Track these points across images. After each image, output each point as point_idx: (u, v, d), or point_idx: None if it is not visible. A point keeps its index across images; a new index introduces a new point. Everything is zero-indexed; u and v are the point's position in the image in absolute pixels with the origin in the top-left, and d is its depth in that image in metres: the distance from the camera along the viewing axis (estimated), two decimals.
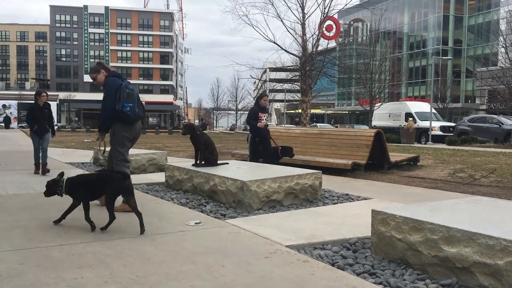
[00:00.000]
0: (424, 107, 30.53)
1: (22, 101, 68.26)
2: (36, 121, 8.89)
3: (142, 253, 3.51)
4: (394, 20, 62.94)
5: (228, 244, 3.80)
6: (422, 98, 52.13)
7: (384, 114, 31.32)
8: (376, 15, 33.90)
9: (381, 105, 33.51)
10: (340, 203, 6.00)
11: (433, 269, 3.18)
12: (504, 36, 30.55)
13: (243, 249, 3.65)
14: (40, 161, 8.88)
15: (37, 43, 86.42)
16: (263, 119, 9.03)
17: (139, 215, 4.20)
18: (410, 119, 27.26)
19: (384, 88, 37.38)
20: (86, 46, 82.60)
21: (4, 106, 68.11)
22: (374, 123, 31.75)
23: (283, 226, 4.49)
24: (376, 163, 10.22)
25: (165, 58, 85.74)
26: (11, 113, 68.33)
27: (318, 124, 51.73)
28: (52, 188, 4.45)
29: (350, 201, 6.13)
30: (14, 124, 64.30)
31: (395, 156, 11.25)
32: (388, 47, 42.41)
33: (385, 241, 3.57)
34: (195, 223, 4.51)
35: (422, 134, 26.61)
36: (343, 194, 6.64)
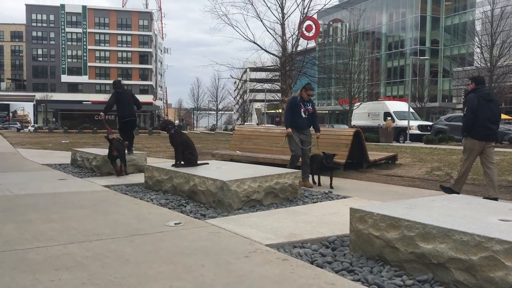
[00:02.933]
0: (402, 106, 30.98)
1: None
2: None
3: (120, 254, 3.48)
4: (372, 21, 63.70)
5: (208, 244, 3.79)
6: (400, 98, 52.85)
7: (363, 114, 31.67)
8: (355, 15, 34.26)
9: (360, 104, 33.86)
10: (320, 201, 6.04)
11: (410, 266, 3.23)
12: (479, 37, 31.20)
13: (223, 249, 3.66)
14: None
15: (13, 42, 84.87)
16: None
17: None
18: (389, 118, 27.62)
19: (363, 88, 37.78)
20: (63, 46, 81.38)
21: None
22: (353, 122, 32.07)
23: (263, 225, 4.50)
24: (355, 162, 10.33)
25: (144, 58, 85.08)
26: None
27: None
28: None
29: (329, 200, 6.18)
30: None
31: (374, 155, 11.39)
32: (367, 47, 42.86)
33: (363, 238, 3.61)
34: (175, 224, 4.49)
35: (400, 133, 26.99)
36: (323, 193, 6.70)
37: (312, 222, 4.67)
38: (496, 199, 6.35)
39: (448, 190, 6.82)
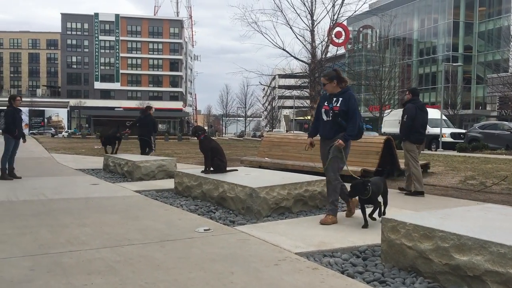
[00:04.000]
0: (434, 113, 30.34)
1: (33, 108, 68.98)
2: (16, 125, 8.81)
3: (151, 260, 3.51)
4: (403, 27, 62.79)
5: (237, 251, 3.79)
6: (432, 105, 51.80)
7: (394, 121, 31.13)
8: (385, 21, 33.85)
9: (390, 111, 33.36)
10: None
11: (444, 277, 3.15)
12: None
13: (252, 256, 3.65)
14: (8, 166, 8.75)
15: (49, 50, 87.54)
16: None
17: None
18: None
19: (394, 94, 37.23)
20: (96, 54, 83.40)
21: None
22: (384, 129, 31.59)
23: (292, 233, 4.47)
24: (387, 170, 10.16)
25: (174, 65, 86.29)
26: (22, 119, 69.10)
27: None
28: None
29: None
30: (25, 130, 64.97)
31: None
32: (397, 53, 42.28)
33: (395, 248, 3.54)
34: (204, 230, 4.51)
35: (432, 141, 26.42)
36: None
37: (342, 231, 4.61)
38: (422, 193, 7.55)
39: (414, 193, 7.60)
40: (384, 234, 3.64)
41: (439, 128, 26.55)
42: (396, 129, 29.77)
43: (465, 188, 8.62)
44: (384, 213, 5.04)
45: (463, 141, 24.80)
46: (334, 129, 5.21)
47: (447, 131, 27.06)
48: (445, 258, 3.12)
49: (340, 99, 5.17)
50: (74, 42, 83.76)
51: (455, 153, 20.70)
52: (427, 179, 9.79)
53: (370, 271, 3.47)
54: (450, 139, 26.20)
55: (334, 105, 5.18)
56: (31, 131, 64.50)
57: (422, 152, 21.73)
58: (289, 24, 20.54)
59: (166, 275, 3.16)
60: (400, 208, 6.10)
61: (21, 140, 9.13)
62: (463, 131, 28.51)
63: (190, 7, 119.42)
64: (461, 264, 3.01)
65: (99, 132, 11.61)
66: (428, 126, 27.31)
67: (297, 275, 3.21)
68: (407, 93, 8.31)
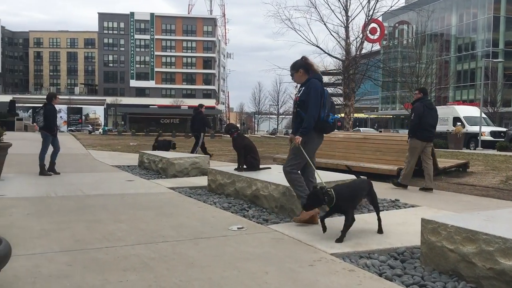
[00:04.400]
0: (473, 111, 29.44)
1: (71, 106, 70.95)
2: (55, 123, 9.11)
3: (185, 257, 3.50)
4: (441, 22, 61.19)
5: (271, 251, 3.74)
6: (470, 102, 50.29)
7: None
8: (422, 16, 33.01)
9: None
10: (386, 210, 5.82)
11: (488, 282, 3.00)
12: None
13: (286, 256, 3.59)
14: (43, 162, 8.96)
15: (86, 49, 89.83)
16: None
17: None
18: (459, 123, 26.33)
19: (431, 92, 36.29)
20: (132, 52, 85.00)
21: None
22: None
23: (327, 233, 4.38)
24: (423, 169, 9.88)
25: (208, 63, 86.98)
26: (61, 117, 71.16)
27: (361, 129, 50.91)
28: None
29: (396, 209, 5.94)
30: (63, 127, 66.93)
31: (443, 162, 10.86)
32: (435, 49, 41.19)
33: (435, 251, 3.41)
34: (238, 228, 4.48)
35: (471, 140, 25.64)
36: (390, 200, 6.45)
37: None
38: (431, 189, 7.83)
39: (397, 184, 8.03)
40: (424, 236, 3.51)
41: (478, 127, 25.74)
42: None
43: (507, 188, 8.29)
44: (379, 226, 4.44)
45: (503, 139, 23.96)
46: (297, 121, 4.87)
47: (486, 129, 26.22)
48: (490, 263, 2.98)
49: (302, 88, 4.81)
50: (110, 41, 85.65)
51: (495, 152, 20.01)
52: (466, 179, 9.47)
53: (409, 274, 3.35)
54: (490, 138, 25.37)
55: (297, 95, 4.90)
56: (69, 128, 66.37)
57: (460, 150, 21.13)
58: (323, 21, 20.27)
59: (200, 273, 3.14)
60: (439, 209, 5.91)
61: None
62: (504, 129, 27.55)
63: (224, 5, 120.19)
64: (507, 269, 2.87)
65: (157, 133, 12.25)
66: (466, 124, 26.65)
67: (333, 276, 3.13)
68: (416, 92, 8.56)
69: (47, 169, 8.95)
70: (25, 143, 18.39)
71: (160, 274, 3.10)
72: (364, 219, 5.09)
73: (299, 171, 4.88)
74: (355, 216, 5.12)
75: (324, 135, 4.95)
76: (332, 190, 4.09)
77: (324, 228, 4.17)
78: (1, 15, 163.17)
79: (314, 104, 4.66)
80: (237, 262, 3.41)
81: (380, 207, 5.93)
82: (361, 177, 5.21)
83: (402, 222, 5.00)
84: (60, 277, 2.99)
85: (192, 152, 13.20)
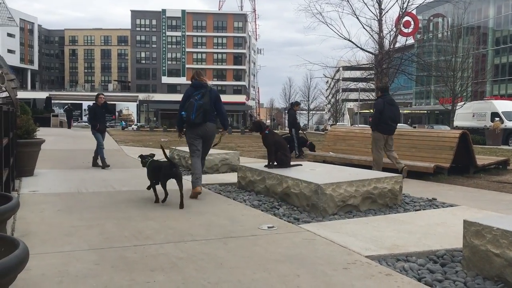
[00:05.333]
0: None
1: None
2: (97, 120, 9.80)
3: (214, 258, 3.40)
4: (478, 14, 59.21)
5: (303, 252, 3.60)
6: (509, 97, 48.53)
7: (468, 114, 29.49)
8: (459, 8, 31.95)
9: (464, 104, 31.55)
10: (423, 209, 5.57)
11: None
12: None
13: (319, 258, 3.44)
14: (103, 156, 9.68)
15: (119, 46, 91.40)
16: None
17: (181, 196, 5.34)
18: (497, 119, 25.40)
19: (467, 86, 35.16)
20: (164, 49, 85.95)
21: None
22: (456, 123, 29.97)
23: (361, 233, 4.20)
24: (461, 166, 9.52)
25: (238, 59, 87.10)
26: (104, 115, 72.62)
27: None
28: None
29: (434, 208, 5.68)
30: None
31: (481, 159, 10.44)
32: (471, 43, 39.86)
33: (479, 255, 3.19)
34: (268, 227, 4.36)
35: (510, 135, 24.69)
36: (426, 199, 6.18)
37: (416, 233, 4.27)
38: (403, 169, 8.35)
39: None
40: (467, 239, 3.29)
41: None
42: (470, 123, 28.28)
43: None
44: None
45: None
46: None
47: None
48: None
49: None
50: (143, 38, 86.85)
51: None
52: (507, 177, 9.06)
53: (450, 279, 3.15)
54: None
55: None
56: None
57: (499, 147, 20.36)
58: (355, 14, 19.88)
59: (229, 275, 3.03)
60: (480, 209, 5.62)
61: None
62: None
63: (254, 0, 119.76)
64: None
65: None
66: (505, 119, 25.66)
67: (369, 281, 2.97)
68: (378, 92, 9.66)
69: (92, 164, 9.74)
70: (59, 139, 18.80)
71: (188, 275, 3.01)
72: (400, 219, 4.88)
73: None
74: (391, 215, 4.92)
75: (355, 131, 6.82)
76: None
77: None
78: (38, 13, 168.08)
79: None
80: (268, 264, 3.28)
81: (417, 206, 5.73)
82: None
83: (440, 222, 4.76)
84: (87, 276, 2.93)
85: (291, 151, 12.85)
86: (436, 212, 5.43)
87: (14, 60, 78.25)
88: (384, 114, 8.65)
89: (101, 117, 9.94)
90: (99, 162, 9.71)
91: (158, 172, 5.64)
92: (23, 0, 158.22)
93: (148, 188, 5.92)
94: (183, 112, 6.25)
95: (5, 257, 1.39)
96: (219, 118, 6.59)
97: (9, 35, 79.25)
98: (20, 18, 76.26)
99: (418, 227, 4.51)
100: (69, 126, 35.40)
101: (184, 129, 6.46)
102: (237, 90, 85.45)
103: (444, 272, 3.30)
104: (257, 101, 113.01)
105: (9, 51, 78.57)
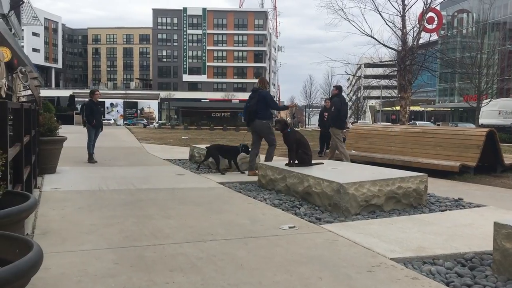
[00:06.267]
0: None
1: (127, 100, 73.18)
2: (94, 116, 9.97)
3: (234, 258, 3.33)
4: (504, 10, 57.68)
5: (325, 253, 3.50)
6: None
7: (493, 112, 28.81)
8: (485, 3, 31.18)
9: (489, 101, 30.82)
10: (449, 210, 5.40)
11: None
12: None
13: (342, 260, 3.33)
14: (92, 151, 9.93)
15: (141, 45, 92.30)
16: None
17: None
18: None
19: (493, 83, 34.33)
20: (185, 47, 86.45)
21: (111, 104, 73.57)
22: (481, 121, 29.33)
23: (385, 234, 4.08)
24: (487, 165, 9.26)
25: (258, 56, 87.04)
26: (117, 111, 73.59)
27: (417, 122, 49.13)
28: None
29: (460, 208, 5.50)
30: (120, 121, 69.23)
31: (509, 158, 10.15)
32: (497, 38, 38.87)
33: (511, 259, 3.05)
34: (289, 227, 4.27)
35: None
36: (452, 199, 6.00)
37: (443, 234, 4.13)
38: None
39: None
40: (497, 242, 3.15)
41: None
42: (496, 121, 27.60)
43: None
44: None
45: None
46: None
47: None
48: None
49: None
50: (164, 36, 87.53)
51: None
52: None
53: (480, 284, 3.01)
54: None
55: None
56: (125, 122, 68.49)
57: None
58: (378, 10, 19.53)
59: (249, 277, 2.96)
60: (508, 209, 5.43)
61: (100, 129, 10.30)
62: None
63: None
64: None
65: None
66: None
67: (395, 285, 2.86)
68: (334, 89, 10.39)
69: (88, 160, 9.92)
70: (81, 136, 19.03)
71: (207, 276, 2.95)
72: (426, 220, 4.73)
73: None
74: (416, 216, 4.79)
75: (378, 129, 7.94)
76: None
77: None
78: (61, 12, 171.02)
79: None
80: (289, 265, 3.19)
81: (443, 206, 5.57)
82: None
83: (468, 224, 4.60)
84: (105, 276, 2.89)
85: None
86: (463, 212, 5.25)
87: (38, 58, 79.78)
88: (341, 112, 9.87)
89: (97, 114, 10.13)
90: (95, 157, 9.99)
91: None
92: None
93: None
94: (240, 113, 9.90)
95: (18, 260, 1.34)
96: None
97: (34, 34, 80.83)
98: (44, 18, 77.69)
99: (445, 228, 4.37)
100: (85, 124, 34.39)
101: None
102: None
103: (473, 276, 3.17)
104: (277, 99, 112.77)
105: (34, 50, 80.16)
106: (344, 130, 10.12)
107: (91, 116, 9.97)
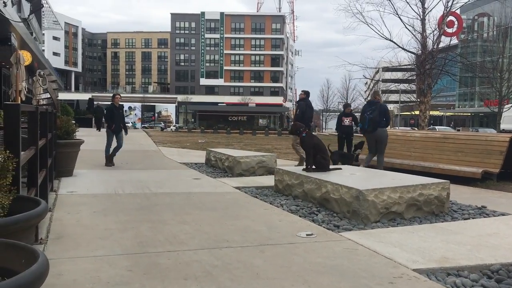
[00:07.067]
0: None
1: (145, 103, 73.76)
2: (113, 120, 9.97)
3: (250, 267, 3.24)
4: None
5: (344, 263, 3.38)
6: None
7: None
8: (507, 7, 30.61)
9: (511, 106, 30.18)
10: (473, 218, 5.23)
11: None
12: None
13: (362, 270, 3.21)
14: (109, 154, 9.92)
15: (159, 49, 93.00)
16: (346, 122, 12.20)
17: None
18: None
19: None
20: (202, 51, 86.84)
21: (130, 108, 74.23)
22: (503, 126, 28.75)
23: (407, 244, 3.94)
24: (510, 172, 8.98)
25: (275, 60, 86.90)
26: (135, 114, 74.22)
27: (436, 127, 48.46)
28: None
29: (484, 217, 5.32)
30: (138, 124, 69.79)
31: None
32: None
33: None
34: (307, 235, 4.15)
35: None
36: (475, 207, 5.81)
37: (467, 244, 3.97)
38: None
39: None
40: None
41: None
42: None
43: None
44: None
45: None
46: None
47: None
48: None
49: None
50: (182, 40, 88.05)
51: None
52: None
53: None
54: None
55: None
56: (143, 125, 69.02)
57: None
58: (397, 14, 19.30)
59: (266, 286, 2.86)
60: None
61: (123, 132, 10.31)
62: None
63: (292, 1, 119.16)
64: None
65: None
66: None
67: None
68: (302, 93, 11.14)
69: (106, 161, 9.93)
70: (99, 139, 19.15)
71: (222, 285, 2.85)
72: (449, 228, 4.57)
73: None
74: (438, 224, 4.66)
75: (397, 134, 9.34)
76: None
77: None
78: (81, 16, 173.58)
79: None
80: (307, 275, 3.08)
81: (465, 214, 5.39)
82: None
83: (493, 233, 4.42)
84: (118, 284, 2.82)
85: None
86: (487, 221, 5.07)
87: (59, 62, 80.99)
88: (306, 115, 10.51)
89: (118, 118, 10.09)
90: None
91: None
92: (68, 4, 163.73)
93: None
94: (360, 124, 9.39)
95: (22, 273, 1.26)
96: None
97: (55, 38, 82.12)
98: (65, 22, 78.91)
99: (469, 237, 4.20)
100: (99, 128, 29.26)
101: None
102: (274, 92, 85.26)
103: None
104: (294, 103, 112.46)
105: (54, 53, 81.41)
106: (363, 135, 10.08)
107: (111, 120, 10.03)
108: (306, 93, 11.06)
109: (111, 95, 10.82)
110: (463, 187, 7.85)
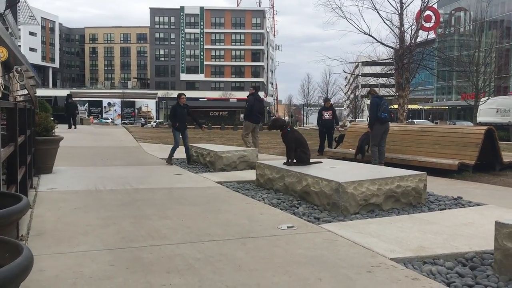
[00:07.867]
0: None
1: (125, 99, 73.01)
2: (177, 119, 10.21)
3: (232, 259, 3.29)
4: (501, 8, 57.80)
5: (325, 253, 3.45)
6: None
7: (491, 110, 28.84)
8: (483, 2, 31.16)
9: (487, 99, 30.82)
10: (449, 209, 5.37)
11: None
12: None
13: (341, 260, 3.29)
14: (186, 154, 10.42)
15: (139, 44, 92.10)
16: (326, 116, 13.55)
17: None
18: None
19: (490, 81, 34.31)
20: (182, 46, 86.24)
21: (109, 104, 73.39)
22: (479, 119, 29.35)
23: (385, 234, 4.04)
24: (486, 163, 9.23)
25: (256, 55, 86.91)
26: (115, 110, 73.45)
27: (415, 121, 49.18)
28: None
29: (460, 207, 5.47)
30: (117, 120, 69.10)
31: (507, 156, 10.13)
32: (495, 37, 38.89)
33: None
34: (288, 227, 4.22)
35: None
36: (451, 198, 5.97)
37: (443, 234, 4.09)
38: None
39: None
40: (499, 241, 3.11)
41: None
42: (493, 119, 27.62)
43: None
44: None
45: None
46: None
47: None
48: None
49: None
50: (161, 35, 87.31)
51: None
52: None
53: (481, 284, 2.98)
54: None
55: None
56: (123, 121, 68.34)
57: None
58: (375, 8, 19.50)
59: (247, 278, 2.91)
60: (508, 208, 5.40)
61: (187, 132, 10.59)
62: None
63: None
64: None
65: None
66: None
67: (395, 286, 2.81)
68: (251, 89, 12.12)
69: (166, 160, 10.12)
70: (79, 136, 18.93)
71: (205, 278, 2.90)
72: (425, 219, 4.69)
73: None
74: (416, 215, 4.77)
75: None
76: None
77: None
78: (59, 11, 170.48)
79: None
80: (288, 266, 3.15)
81: (442, 205, 5.53)
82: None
83: (468, 222, 4.56)
84: (101, 278, 2.84)
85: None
86: (463, 211, 5.22)
87: (35, 58, 79.51)
88: (254, 108, 11.44)
89: (181, 117, 10.29)
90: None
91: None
92: None
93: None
94: (385, 114, 9.35)
95: (6, 266, 1.29)
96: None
97: (31, 33, 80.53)
98: (41, 17, 77.49)
99: (445, 227, 4.33)
100: (70, 126, 23.71)
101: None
102: (255, 87, 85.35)
103: (474, 276, 3.13)
104: (275, 98, 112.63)
105: (31, 49, 79.86)
106: (342, 129, 10.52)
107: (175, 118, 10.31)
108: (255, 88, 12.09)
109: (109, 91, 10.90)
110: (440, 179, 8.03)
